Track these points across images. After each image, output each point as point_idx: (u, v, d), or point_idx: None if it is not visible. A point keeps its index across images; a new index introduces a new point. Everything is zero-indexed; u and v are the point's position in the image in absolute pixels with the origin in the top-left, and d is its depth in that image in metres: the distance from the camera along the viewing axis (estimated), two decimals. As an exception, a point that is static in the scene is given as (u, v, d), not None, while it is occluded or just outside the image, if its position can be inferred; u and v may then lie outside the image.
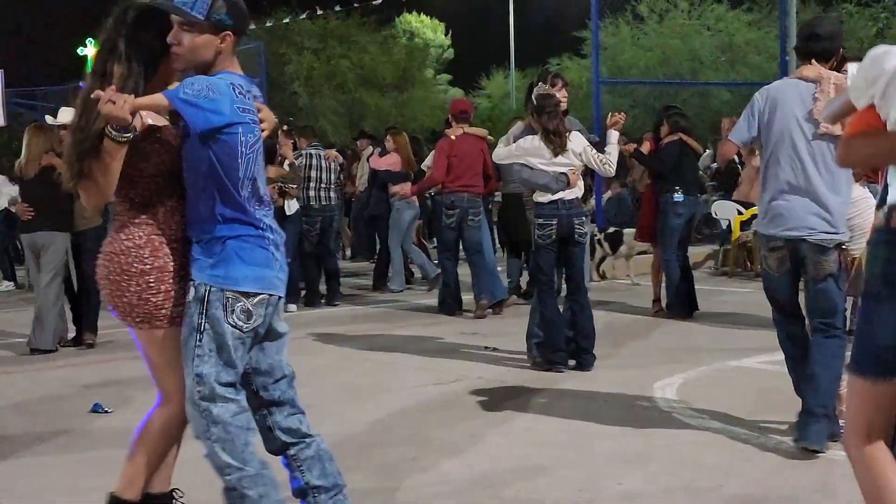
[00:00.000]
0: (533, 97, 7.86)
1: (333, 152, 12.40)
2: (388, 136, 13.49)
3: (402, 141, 13.36)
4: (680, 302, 10.29)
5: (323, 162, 11.87)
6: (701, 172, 14.53)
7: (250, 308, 3.67)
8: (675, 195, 10.20)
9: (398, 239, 12.99)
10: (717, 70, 24.97)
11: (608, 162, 7.83)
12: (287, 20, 26.87)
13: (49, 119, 9.68)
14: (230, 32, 3.66)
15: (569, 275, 7.90)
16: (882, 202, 3.32)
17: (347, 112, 29.84)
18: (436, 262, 12.83)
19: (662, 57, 25.67)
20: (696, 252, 14.22)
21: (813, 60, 5.59)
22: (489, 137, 11.52)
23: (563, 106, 7.97)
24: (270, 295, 3.74)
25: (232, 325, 3.65)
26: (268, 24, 25.75)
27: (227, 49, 3.68)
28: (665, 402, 6.59)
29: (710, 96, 24.63)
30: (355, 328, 10.06)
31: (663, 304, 10.49)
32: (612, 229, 13.73)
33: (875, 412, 3.26)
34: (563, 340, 7.74)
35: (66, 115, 9.53)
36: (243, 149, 3.61)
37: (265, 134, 3.76)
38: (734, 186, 14.89)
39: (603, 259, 13.77)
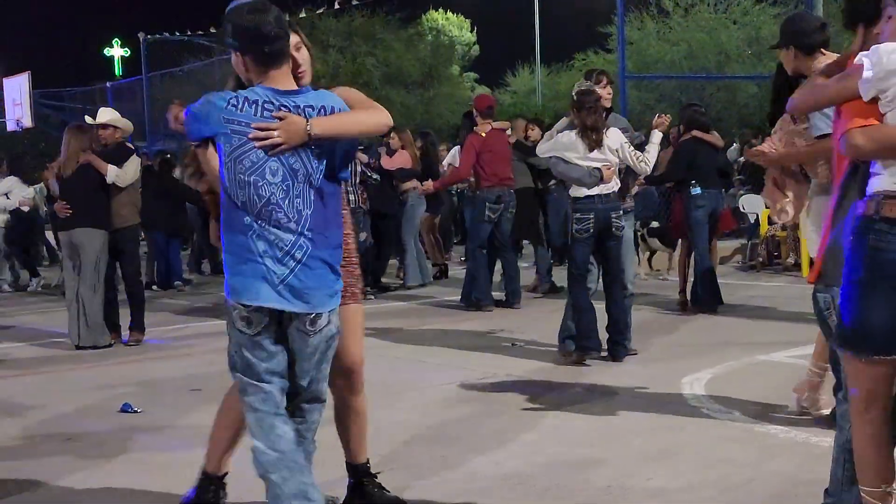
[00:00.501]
0: (573, 93, 7.89)
1: (356, 152, 12.25)
2: (392, 134, 13.26)
3: (407, 139, 13.32)
4: (706, 295, 10.26)
5: None
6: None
7: (248, 315, 3.75)
8: (693, 189, 10.24)
9: (412, 234, 12.99)
10: (744, 63, 24.80)
11: (645, 160, 7.83)
12: (304, 14, 26.82)
13: (88, 119, 9.86)
14: (240, 53, 3.83)
15: (605, 269, 7.94)
16: (861, 192, 3.46)
17: (373, 109, 29.79)
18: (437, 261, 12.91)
19: (688, 51, 25.56)
20: (724, 246, 14.17)
21: (822, 50, 5.61)
22: (511, 133, 11.53)
23: (607, 103, 8.01)
24: (265, 306, 3.75)
25: (240, 332, 3.78)
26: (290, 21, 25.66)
27: (251, 67, 3.82)
28: (693, 396, 6.57)
29: (736, 90, 24.52)
30: (382, 324, 10.06)
31: (689, 297, 10.45)
32: (654, 224, 13.64)
33: (874, 383, 3.45)
34: (595, 328, 7.76)
35: (104, 114, 9.68)
36: (223, 157, 3.75)
37: (282, 146, 3.72)
38: (762, 180, 14.68)
39: (653, 253, 13.69)
